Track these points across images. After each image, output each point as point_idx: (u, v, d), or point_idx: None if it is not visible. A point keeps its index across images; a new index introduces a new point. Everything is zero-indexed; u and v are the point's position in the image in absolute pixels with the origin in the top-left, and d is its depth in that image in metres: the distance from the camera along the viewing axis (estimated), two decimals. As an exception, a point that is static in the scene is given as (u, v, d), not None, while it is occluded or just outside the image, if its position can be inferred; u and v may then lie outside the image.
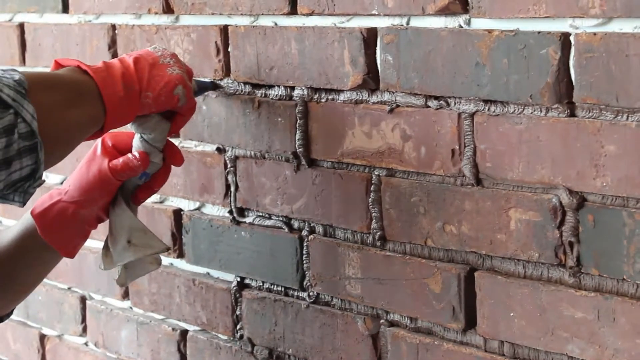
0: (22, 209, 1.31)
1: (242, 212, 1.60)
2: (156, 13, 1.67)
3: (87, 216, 1.45)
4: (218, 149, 1.61)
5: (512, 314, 1.25)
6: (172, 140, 1.47)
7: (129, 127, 1.40)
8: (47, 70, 1.36)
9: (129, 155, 1.41)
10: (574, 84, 1.15)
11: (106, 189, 1.43)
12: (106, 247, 1.47)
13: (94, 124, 1.32)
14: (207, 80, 1.57)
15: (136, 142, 1.42)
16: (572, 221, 1.18)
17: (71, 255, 1.48)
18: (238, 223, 1.60)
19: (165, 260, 1.75)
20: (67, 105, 1.27)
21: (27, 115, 1.17)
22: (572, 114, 1.17)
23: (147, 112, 1.37)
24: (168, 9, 1.65)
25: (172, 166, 1.46)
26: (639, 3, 1.07)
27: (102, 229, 1.50)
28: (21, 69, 1.93)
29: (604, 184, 1.14)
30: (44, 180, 1.25)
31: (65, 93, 1.28)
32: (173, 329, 1.75)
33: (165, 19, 1.67)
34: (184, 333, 1.73)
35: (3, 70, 1.22)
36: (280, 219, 1.54)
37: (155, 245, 1.45)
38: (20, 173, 1.19)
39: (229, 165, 1.60)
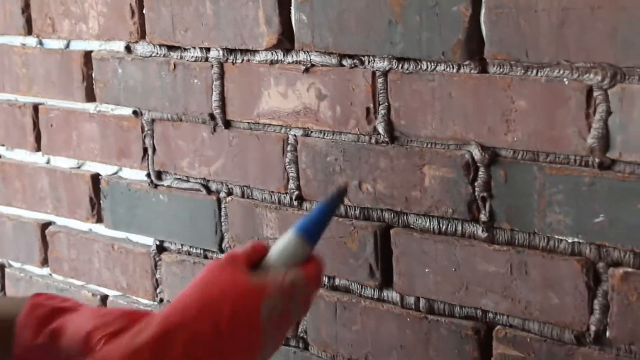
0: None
1: (159, 175, 1.59)
2: (69, -25, 1.65)
3: None
4: (134, 112, 1.60)
5: (427, 270, 1.26)
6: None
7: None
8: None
9: None
10: (484, 40, 1.16)
11: None
12: None
13: None
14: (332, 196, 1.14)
15: None
16: (484, 176, 1.19)
17: None
18: (156, 186, 1.59)
19: (84, 225, 1.74)
20: None
21: None
22: (484, 70, 1.18)
23: None
24: (81, -29, 1.63)
25: None
26: (547, -41, 1.09)
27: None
28: None
29: (515, 139, 1.16)
30: None
31: None
32: (93, 295, 1.74)
33: (79, -18, 1.65)
34: (104, 298, 1.72)
35: None
36: (198, 181, 1.53)
37: None
38: None
39: (145, 129, 1.58)
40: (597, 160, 1.09)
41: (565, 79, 1.10)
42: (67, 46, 1.69)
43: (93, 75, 1.65)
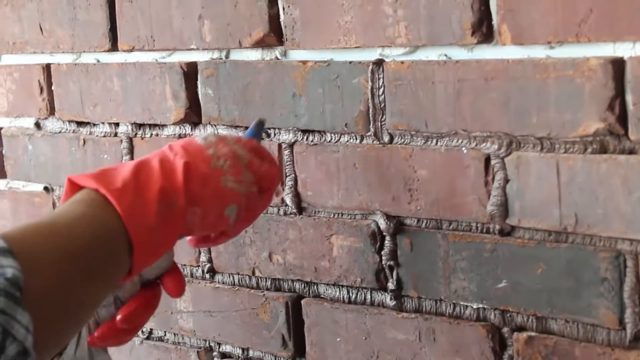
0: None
1: (72, 251, 1.58)
2: (-23, 53, 1.65)
3: None
4: (45, 189, 1.59)
5: (338, 339, 1.27)
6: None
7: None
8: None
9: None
10: (385, 111, 1.18)
11: None
12: None
13: (119, 275, 0.96)
14: (253, 125, 1.19)
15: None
16: (390, 245, 1.21)
17: None
18: (69, 262, 1.58)
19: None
20: (85, 276, 0.90)
21: (20, 330, 0.79)
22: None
23: (190, 234, 1.04)
24: (-11, 49, 1.63)
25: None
26: (442, 32, 1.11)
27: None
28: None
29: (418, 208, 1.17)
30: None
31: (83, 260, 0.90)
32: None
33: (-13, 59, 1.65)
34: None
35: None
36: (111, 256, 1.52)
37: None
38: None
39: (57, 205, 1.58)
40: (497, 226, 1.11)
41: (463, 148, 1.12)
42: (-23, 123, 1.69)
43: (3, 151, 1.64)
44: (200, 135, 1.06)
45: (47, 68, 1.55)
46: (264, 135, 1.21)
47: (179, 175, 0.99)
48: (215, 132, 1.15)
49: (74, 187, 0.98)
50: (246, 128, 1.31)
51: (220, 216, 1.03)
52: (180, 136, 1.39)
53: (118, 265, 0.94)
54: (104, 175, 0.97)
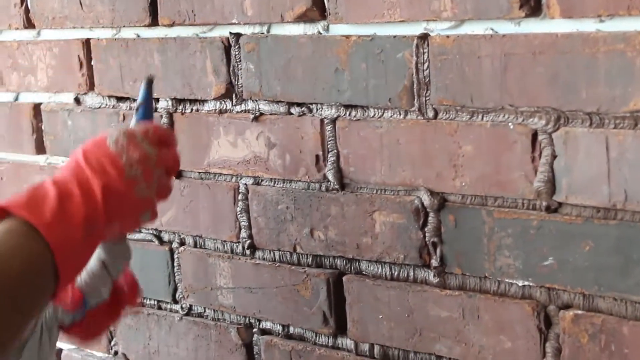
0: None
1: (112, 226, 1.58)
2: (17, 28, 1.64)
3: None
4: (85, 164, 1.59)
5: (380, 317, 1.26)
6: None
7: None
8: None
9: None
10: (430, 86, 1.17)
11: None
12: None
13: (45, 301, 1.03)
14: (144, 87, 1.23)
15: (92, 264, 1.18)
16: (434, 222, 1.19)
17: None
18: (108, 238, 1.58)
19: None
20: (14, 307, 0.97)
21: None
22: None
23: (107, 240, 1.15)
24: (29, 24, 1.63)
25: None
26: (489, 5, 1.10)
27: None
28: None
29: (463, 184, 1.16)
30: None
31: (13, 293, 0.97)
32: (47, 349, 1.72)
33: (26, 34, 1.64)
34: (58, 352, 1.70)
35: None
36: (150, 231, 1.52)
37: None
38: None
39: (96, 180, 1.57)
40: (544, 203, 1.10)
41: (510, 124, 1.11)
42: (16, 99, 1.68)
43: (43, 127, 1.64)
44: (110, 136, 1.11)
45: (86, 43, 1.55)
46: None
47: (99, 201, 1.06)
48: (126, 126, 1.15)
49: (3, 213, 1.03)
50: (288, 103, 1.31)
51: (137, 222, 1.14)
52: (220, 111, 1.39)
53: (44, 293, 1.01)
54: (32, 201, 1.03)
